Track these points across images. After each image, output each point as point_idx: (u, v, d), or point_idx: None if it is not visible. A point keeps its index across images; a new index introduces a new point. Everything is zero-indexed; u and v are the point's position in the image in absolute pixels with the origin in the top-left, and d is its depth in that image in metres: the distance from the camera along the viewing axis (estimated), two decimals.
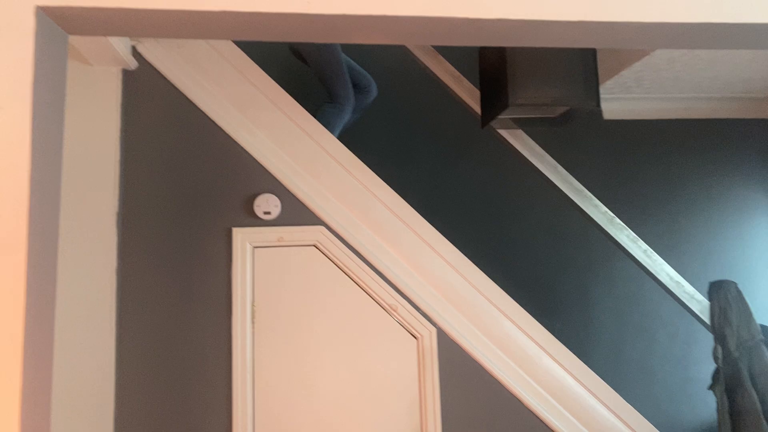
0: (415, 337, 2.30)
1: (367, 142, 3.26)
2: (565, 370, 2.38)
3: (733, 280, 2.47)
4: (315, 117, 2.54)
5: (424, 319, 2.29)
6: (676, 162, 3.47)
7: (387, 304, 2.31)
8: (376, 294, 2.30)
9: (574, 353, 2.40)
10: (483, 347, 2.31)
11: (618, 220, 2.49)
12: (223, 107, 2.32)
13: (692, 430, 3.11)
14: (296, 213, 2.32)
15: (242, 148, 2.30)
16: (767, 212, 3.58)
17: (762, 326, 2.40)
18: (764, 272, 3.51)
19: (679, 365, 3.29)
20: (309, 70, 2.90)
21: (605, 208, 2.49)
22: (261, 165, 2.30)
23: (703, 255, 3.40)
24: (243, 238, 2.26)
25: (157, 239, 2.24)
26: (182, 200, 2.28)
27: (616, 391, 2.41)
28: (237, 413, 2.16)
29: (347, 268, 2.30)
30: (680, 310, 3.29)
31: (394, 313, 2.30)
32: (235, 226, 2.27)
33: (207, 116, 2.30)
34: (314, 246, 2.31)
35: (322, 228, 2.31)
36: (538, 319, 2.40)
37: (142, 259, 2.22)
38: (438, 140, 3.37)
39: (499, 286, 2.40)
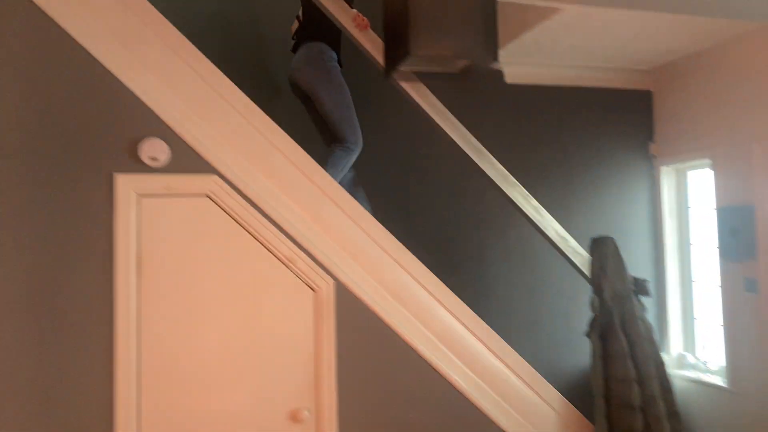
0: (312, 290, 2.27)
1: (267, 90, 3.14)
2: (459, 320, 2.47)
3: (612, 236, 2.66)
4: (327, 159, 2.66)
5: (322, 271, 2.27)
6: (569, 126, 3.64)
7: (284, 256, 2.26)
8: (272, 246, 2.24)
9: (468, 307, 2.49)
10: (380, 299, 2.34)
11: (512, 178, 2.58)
12: (105, 41, 2.11)
13: (571, 374, 3.35)
14: (187, 160, 2.18)
15: (126, 87, 2.11)
16: (645, 175, 3.89)
17: (634, 278, 2.62)
18: (639, 229, 3.82)
19: (563, 318, 3.52)
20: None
21: (500, 166, 2.57)
22: (147, 107, 2.13)
23: (589, 214, 3.63)
24: (126, 184, 2.10)
25: (30, 182, 2.03)
26: (58, 141, 2.07)
27: (505, 341, 2.54)
28: (119, 369, 2.04)
29: (242, 219, 2.21)
30: (567, 268, 3.51)
31: (292, 266, 2.25)
32: (118, 172, 2.10)
33: (85, 50, 2.08)
34: (207, 196, 2.20)
35: (215, 177, 2.19)
36: (435, 274, 2.46)
37: (14, 204, 2.01)
38: None
39: (399, 240, 2.42)
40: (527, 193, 2.60)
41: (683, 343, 3.81)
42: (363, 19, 2.48)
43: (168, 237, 2.16)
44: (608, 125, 3.82)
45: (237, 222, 2.21)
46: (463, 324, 2.47)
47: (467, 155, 2.56)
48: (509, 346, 2.50)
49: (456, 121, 2.62)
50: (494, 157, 2.63)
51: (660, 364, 2.51)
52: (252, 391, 2.19)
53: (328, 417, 2.18)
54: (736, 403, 3.33)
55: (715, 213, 3.47)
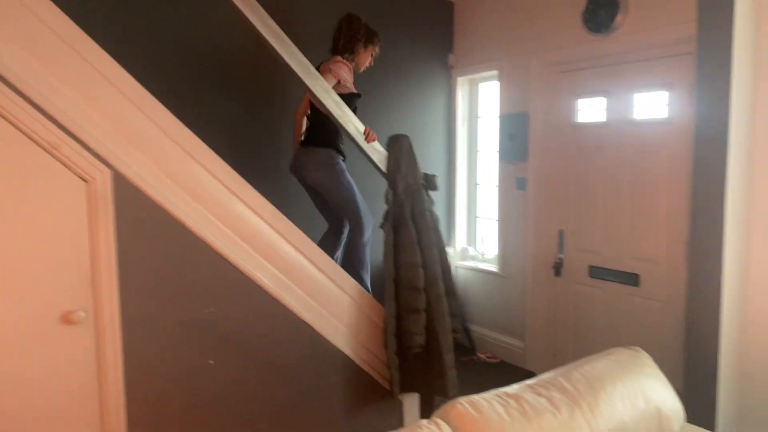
0: (84, 181, 2.00)
1: None
2: (257, 214, 2.41)
3: (407, 135, 2.77)
4: (349, 251, 3.11)
5: (95, 159, 2.00)
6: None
7: (47, 142, 1.93)
8: (30, 130, 1.90)
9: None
10: (169, 192, 2.16)
11: (314, 70, 2.51)
12: None
13: (375, 267, 3.56)
14: None
15: None
16: (444, 85, 4.12)
17: (425, 174, 2.79)
18: (437, 134, 4.10)
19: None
20: None
21: (303, 57, 2.47)
22: None
23: (391, 117, 3.77)
24: None
25: None
26: None
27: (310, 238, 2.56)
28: None
29: None
30: (370, 167, 3.64)
31: (57, 153, 1.94)
32: None
33: None
34: None
35: None
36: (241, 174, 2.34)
37: None
38: None
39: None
40: (329, 87, 2.57)
41: (467, 238, 4.29)
42: (372, 134, 2.71)
43: None
44: (413, 33, 3.91)
45: None
46: (262, 218, 2.42)
47: (267, 40, 2.40)
48: (309, 240, 2.53)
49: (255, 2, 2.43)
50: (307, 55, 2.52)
51: (442, 251, 2.77)
52: (14, 295, 1.91)
53: (108, 317, 2.01)
54: (504, 285, 3.90)
55: (498, 120, 3.85)
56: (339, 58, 3.01)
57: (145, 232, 2.10)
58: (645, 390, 1.88)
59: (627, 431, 1.76)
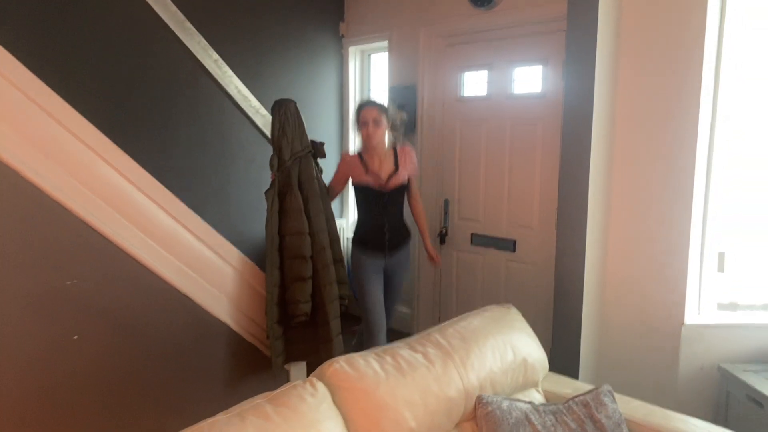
0: None
1: None
2: (127, 179, 2.25)
3: (293, 99, 2.70)
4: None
5: None
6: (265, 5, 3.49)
7: None
8: None
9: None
10: (21, 152, 1.94)
11: (189, 25, 2.36)
12: None
13: (259, 236, 3.46)
14: None
15: None
16: (335, 54, 4.07)
17: (312, 141, 2.74)
18: (329, 103, 4.05)
19: (253, 187, 3.56)
20: None
21: (176, 9, 2.31)
22: None
23: (280, 86, 3.65)
24: None
25: None
26: None
27: (194, 209, 2.43)
28: None
29: None
30: (259, 139, 3.52)
31: None
32: None
33: None
34: None
35: None
36: (110, 136, 2.15)
37: None
38: None
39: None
40: (207, 44, 2.42)
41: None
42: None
43: None
44: (302, 6, 3.81)
45: None
46: (133, 183, 2.25)
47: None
48: (186, 207, 2.40)
49: None
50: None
51: (330, 218, 2.76)
52: None
53: None
54: None
55: (387, 91, 3.87)
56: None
57: (3, 199, 1.88)
58: (514, 342, 2.00)
59: (495, 381, 1.86)
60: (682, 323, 2.53)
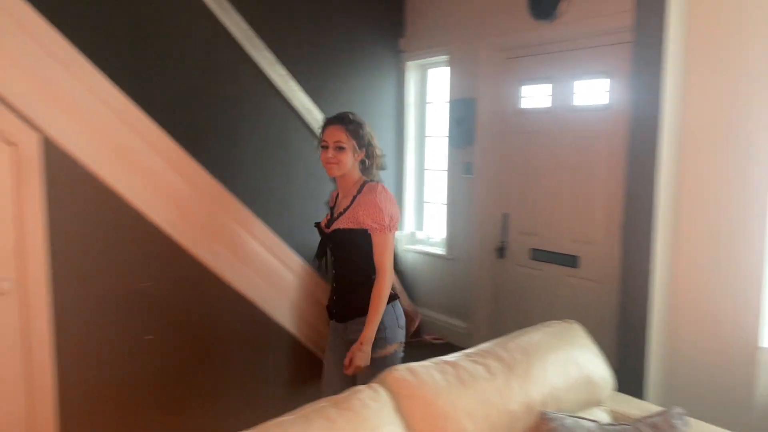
0: (12, 145, 1.90)
1: None
2: (198, 189, 2.36)
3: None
4: None
5: (22, 123, 1.90)
6: (326, 15, 3.59)
7: None
8: None
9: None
10: (102, 159, 2.08)
11: (258, 41, 2.46)
12: None
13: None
14: None
15: None
16: (393, 69, 4.13)
17: None
18: (386, 119, 4.10)
19: (312, 198, 3.64)
20: None
21: (246, 26, 2.42)
22: None
23: (342, 100, 3.73)
24: None
25: None
26: None
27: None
28: None
29: None
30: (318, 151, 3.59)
31: None
32: None
33: None
34: None
35: None
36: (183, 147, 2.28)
37: None
38: None
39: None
40: (274, 59, 2.52)
41: (415, 222, 4.33)
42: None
43: None
44: (364, 16, 3.90)
45: None
46: (202, 191, 2.37)
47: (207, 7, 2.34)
48: (254, 216, 2.50)
49: None
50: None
51: None
52: None
53: (35, 286, 1.93)
54: (450, 267, 3.96)
55: (448, 106, 3.90)
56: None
57: (77, 200, 2.03)
58: (577, 359, 1.95)
59: (559, 397, 1.82)
60: (758, 346, 2.40)
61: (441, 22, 3.92)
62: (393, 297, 2.18)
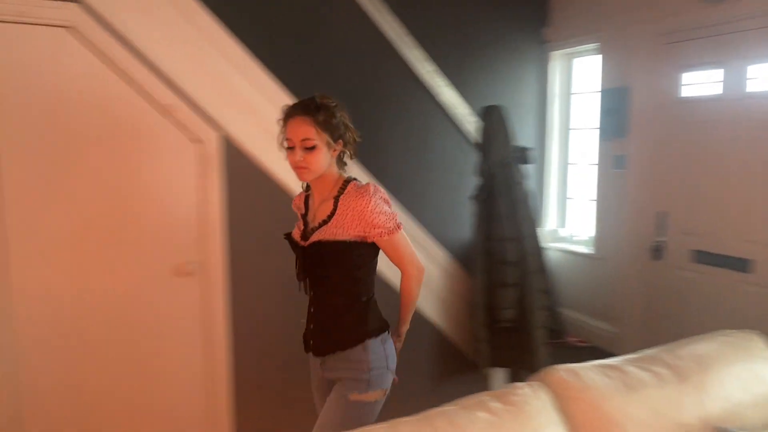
0: (198, 142, 2.13)
1: None
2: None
3: (499, 105, 2.72)
4: None
5: (205, 123, 2.12)
6: (469, 6, 3.56)
7: (164, 104, 2.07)
8: (150, 94, 2.04)
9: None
10: (273, 155, 2.25)
11: (409, 39, 2.51)
12: None
13: (456, 240, 3.52)
14: None
15: None
16: (537, 59, 3.99)
17: (519, 147, 2.73)
18: (528, 111, 3.98)
19: (452, 193, 3.64)
20: None
21: (399, 26, 2.48)
22: None
23: (485, 93, 3.68)
24: None
25: None
26: None
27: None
28: None
29: (112, 60, 1.97)
30: (459, 145, 3.60)
31: (177, 114, 2.08)
32: None
33: None
34: (68, 28, 1.92)
35: (77, 6, 1.91)
36: None
37: None
38: None
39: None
40: (422, 56, 2.56)
41: (557, 219, 4.15)
42: None
43: (22, 76, 1.89)
44: (507, 9, 3.81)
45: (106, 63, 1.97)
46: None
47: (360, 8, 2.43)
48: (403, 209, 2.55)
49: None
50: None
51: (533, 225, 2.71)
52: (134, 249, 2.08)
53: (216, 269, 2.15)
54: (596, 267, 3.75)
55: (599, 95, 3.68)
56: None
57: (251, 192, 2.21)
58: (761, 373, 1.75)
59: (741, 414, 1.64)
60: None
61: (591, 8, 3.72)
62: (382, 329, 1.76)
